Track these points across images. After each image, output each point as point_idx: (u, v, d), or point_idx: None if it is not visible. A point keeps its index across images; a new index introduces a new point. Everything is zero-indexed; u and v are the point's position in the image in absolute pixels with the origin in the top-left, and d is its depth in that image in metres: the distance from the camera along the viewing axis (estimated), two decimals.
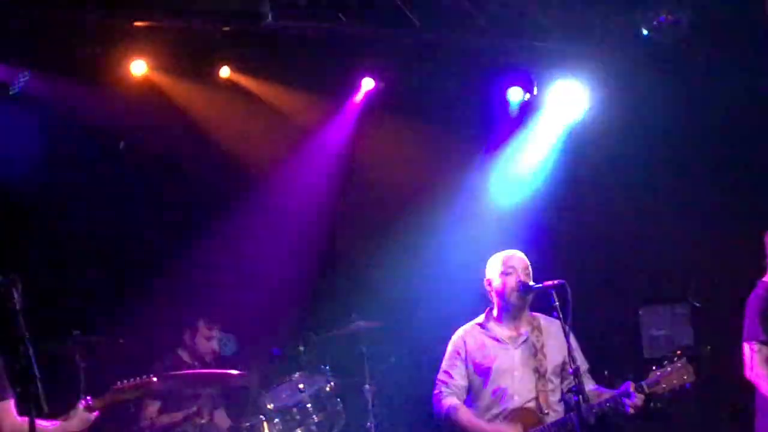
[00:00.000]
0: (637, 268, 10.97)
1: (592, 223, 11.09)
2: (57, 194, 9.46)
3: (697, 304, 10.48)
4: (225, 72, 9.83)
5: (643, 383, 6.73)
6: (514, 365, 6.96)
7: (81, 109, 9.38)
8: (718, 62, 10.09)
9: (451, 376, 7.05)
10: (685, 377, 6.75)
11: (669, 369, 6.76)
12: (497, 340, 7.02)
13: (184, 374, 8.48)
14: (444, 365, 7.11)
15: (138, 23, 8.62)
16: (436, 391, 7.07)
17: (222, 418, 8.89)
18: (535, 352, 6.97)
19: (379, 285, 10.79)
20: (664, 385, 6.73)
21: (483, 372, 6.98)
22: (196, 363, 8.95)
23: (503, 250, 7.16)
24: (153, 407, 8.67)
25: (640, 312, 10.67)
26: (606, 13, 9.95)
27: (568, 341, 6.49)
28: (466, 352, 7.05)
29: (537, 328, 7.02)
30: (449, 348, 7.14)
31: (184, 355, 9.09)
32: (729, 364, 7.83)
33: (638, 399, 6.67)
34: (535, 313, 7.03)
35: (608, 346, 10.57)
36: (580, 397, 6.38)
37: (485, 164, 11.06)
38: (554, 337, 6.92)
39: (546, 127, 10.94)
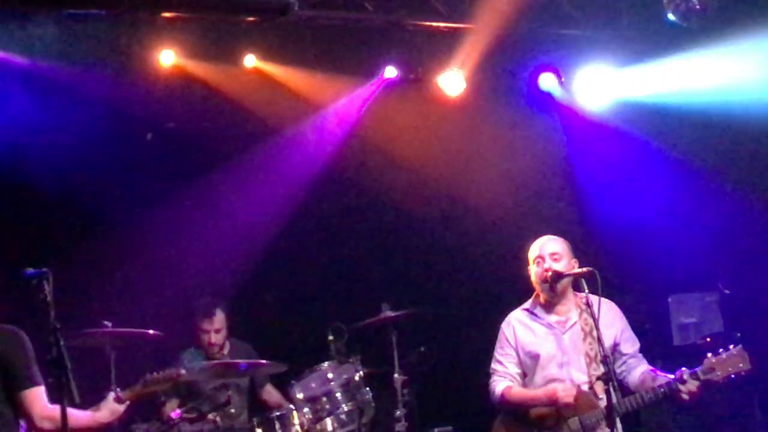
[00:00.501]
0: (666, 256, 10.92)
1: (620, 210, 11.05)
2: (90, 189, 9.50)
3: (727, 291, 10.43)
4: (251, 61, 9.86)
5: (698, 370, 6.68)
6: (564, 351, 6.94)
7: (111, 99, 9.43)
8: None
9: (503, 364, 7.08)
10: (741, 365, 6.70)
11: (724, 356, 6.70)
12: (546, 325, 7.02)
13: (211, 365, 8.51)
14: (496, 354, 7.16)
15: (166, 14, 8.63)
16: (490, 380, 7.11)
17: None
18: (585, 336, 6.94)
19: (409, 273, 10.82)
20: (719, 372, 6.67)
21: (533, 358, 7.00)
22: (205, 355, 8.97)
23: (535, 235, 7.18)
24: (172, 403, 8.70)
25: (669, 299, 10.62)
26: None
27: (597, 329, 6.46)
28: (515, 338, 7.08)
29: (585, 310, 6.94)
30: (499, 335, 7.18)
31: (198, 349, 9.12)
32: (759, 351, 7.77)
33: (693, 385, 6.65)
34: (582, 294, 6.79)
35: (637, 333, 10.52)
36: (610, 384, 6.34)
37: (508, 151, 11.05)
38: (603, 318, 6.75)
39: (576, 113, 10.92)
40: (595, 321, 6.48)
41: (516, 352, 7.07)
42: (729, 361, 6.67)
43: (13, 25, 8.74)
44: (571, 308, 7.03)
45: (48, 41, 8.85)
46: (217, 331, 9.00)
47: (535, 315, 7.09)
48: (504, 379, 7.05)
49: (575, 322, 6.98)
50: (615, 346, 6.95)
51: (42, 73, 9.03)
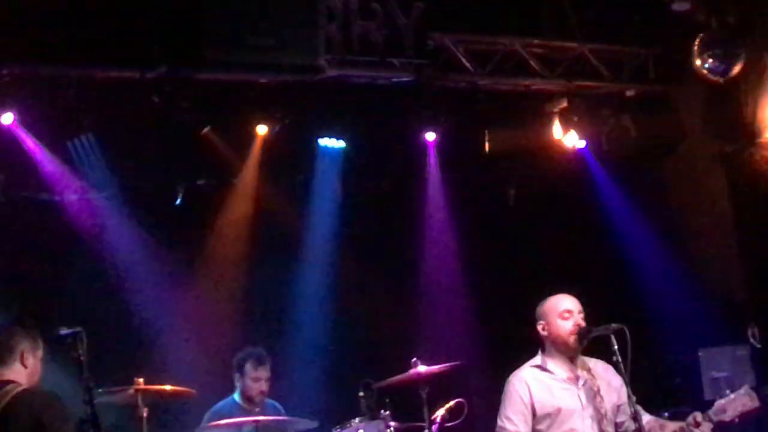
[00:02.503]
0: (696, 309, 10.90)
1: (647, 264, 11.07)
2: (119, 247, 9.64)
3: (758, 346, 10.39)
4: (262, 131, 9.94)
5: (709, 412, 6.72)
6: (581, 406, 6.91)
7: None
8: None
9: (513, 423, 6.90)
10: (750, 402, 6.76)
11: (733, 396, 6.76)
12: (561, 381, 6.97)
13: (250, 422, 8.54)
14: (506, 412, 6.95)
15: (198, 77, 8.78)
16: None
17: None
18: (594, 394, 6.94)
19: (439, 328, 10.84)
20: (730, 413, 6.72)
21: (552, 414, 6.87)
22: (256, 408, 9.01)
23: (562, 289, 7.16)
24: None
25: (699, 353, 10.58)
26: None
27: (628, 387, 6.47)
28: (530, 396, 6.91)
29: (589, 370, 6.99)
30: (510, 393, 6.99)
31: (240, 400, 9.15)
32: None
33: (707, 427, 6.67)
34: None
35: (668, 387, 10.51)
36: None
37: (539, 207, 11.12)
38: (602, 378, 6.91)
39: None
40: (626, 380, 6.48)
41: (529, 410, 6.91)
42: (738, 401, 6.74)
43: None
44: (578, 366, 7.03)
45: None
46: (267, 380, 9.11)
47: (548, 371, 7.02)
48: None
49: (586, 381, 6.98)
50: (619, 406, 6.96)
51: None
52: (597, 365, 6.99)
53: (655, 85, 10.44)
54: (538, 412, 6.91)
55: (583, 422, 6.86)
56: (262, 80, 9.08)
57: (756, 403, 6.77)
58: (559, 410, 6.87)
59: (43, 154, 9.25)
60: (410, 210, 10.91)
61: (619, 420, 6.97)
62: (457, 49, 9.70)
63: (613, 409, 6.91)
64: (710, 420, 6.69)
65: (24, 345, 6.54)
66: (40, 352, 6.63)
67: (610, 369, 7.01)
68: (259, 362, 9.10)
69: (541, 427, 6.91)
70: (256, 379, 9.10)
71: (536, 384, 6.96)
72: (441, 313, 11.04)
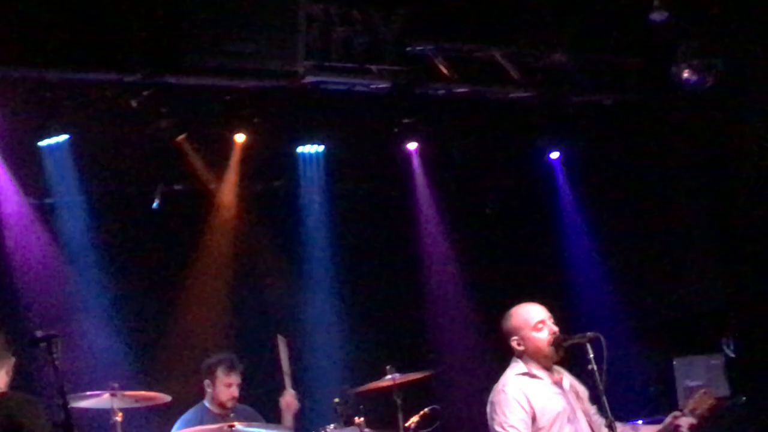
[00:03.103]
0: (670, 319, 10.96)
1: (623, 273, 11.12)
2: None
3: (732, 355, 10.44)
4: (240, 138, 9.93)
5: (683, 410, 6.86)
6: (574, 407, 6.91)
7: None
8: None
9: (518, 430, 6.74)
10: (714, 393, 6.98)
11: (695, 396, 6.94)
12: (551, 385, 6.94)
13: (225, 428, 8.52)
14: (507, 420, 6.75)
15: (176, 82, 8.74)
16: None
17: None
18: (577, 396, 6.96)
19: (413, 336, 10.86)
20: (702, 406, 6.86)
21: (550, 418, 6.79)
22: (230, 414, 8.97)
23: (530, 299, 7.14)
24: None
25: (674, 362, 10.62)
26: None
27: (601, 395, 6.48)
28: (529, 403, 6.79)
29: (564, 375, 7.00)
30: (508, 402, 6.80)
31: (210, 406, 9.12)
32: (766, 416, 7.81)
33: (688, 420, 6.82)
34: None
35: (643, 397, 10.55)
36: None
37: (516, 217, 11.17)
38: (576, 384, 7.01)
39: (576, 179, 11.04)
40: (600, 389, 6.49)
41: (530, 417, 6.77)
42: (702, 397, 6.91)
43: None
44: (557, 374, 7.04)
45: None
46: (238, 386, 9.06)
47: (536, 377, 7.00)
48: None
49: (570, 384, 7.00)
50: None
51: None
52: (566, 373, 7.01)
53: (635, 94, 10.46)
54: (540, 419, 6.78)
55: (581, 423, 6.87)
56: (241, 85, 9.05)
57: (723, 392, 6.90)
58: (558, 414, 6.84)
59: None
60: (390, 217, 10.93)
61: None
62: (435, 57, 9.70)
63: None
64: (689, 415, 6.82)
65: (9, 361, 6.50)
66: (12, 360, 6.60)
67: (575, 378, 7.07)
68: (230, 368, 9.05)
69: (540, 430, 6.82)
70: (228, 384, 9.04)
71: (531, 391, 6.85)
72: (417, 320, 11.05)
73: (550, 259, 11.21)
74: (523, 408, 6.80)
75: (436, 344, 10.89)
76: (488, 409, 6.92)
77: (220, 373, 9.06)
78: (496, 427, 6.78)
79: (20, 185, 9.34)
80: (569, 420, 6.86)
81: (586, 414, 6.91)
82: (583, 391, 6.98)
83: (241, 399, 9.10)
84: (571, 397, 6.94)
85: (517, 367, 6.99)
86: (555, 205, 11.24)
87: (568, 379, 7.03)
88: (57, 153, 9.30)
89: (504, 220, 11.27)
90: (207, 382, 9.10)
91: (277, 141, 10.14)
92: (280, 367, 9.11)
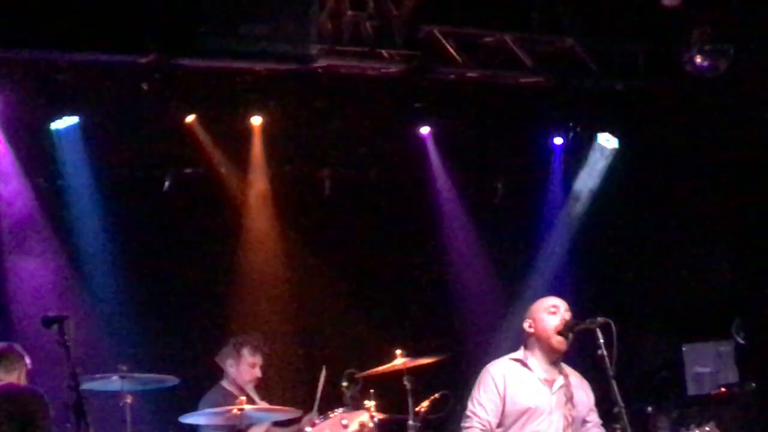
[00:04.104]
0: (680, 305, 10.95)
1: (633, 260, 11.11)
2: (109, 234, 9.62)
3: (742, 341, 10.44)
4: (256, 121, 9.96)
5: None
6: (551, 409, 6.91)
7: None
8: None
9: (485, 410, 6.85)
10: None
11: None
12: (538, 380, 6.97)
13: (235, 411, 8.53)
14: (479, 397, 6.91)
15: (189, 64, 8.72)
16: (467, 425, 6.90)
17: None
18: (566, 400, 6.95)
19: (424, 319, 10.86)
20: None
21: (521, 411, 6.85)
22: (238, 392, 8.99)
23: (548, 288, 7.19)
24: None
25: (683, 349, 10.62)
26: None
27: (611, 381, 6.47)
28: (505, 388, 6.88)
29: (566, 376, 7.01)
30: (486, 381, 6.94)
31: (229, 387, 9.13)
32: None
33: None
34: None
35: (652, 383, 10.55)
36: None
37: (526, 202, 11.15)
38: (578, 388, 6.99)
39: (586, 167, 11.01)
40: (609, 375, 6.48)
41: (501, 403, 6.87)
42: None
43: None
44: (558, 370, 7.04)
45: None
46: (261, 367, 9.11)
47: (528, 367, 6.99)
48: (484, 429, 6.87)
49: (562, 386, 6.99)
50: (585, 421, 7.00)
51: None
52: (574, 375, 7.05)
53: (646, 80, 10.43)
54: (508, 407, 6.87)
55: (549, 425, 6.87)
56: (254, 68, 9.05)
57: None
58: (527, 409, 6.86)
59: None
60: (399, 201, 10.92)
61: (583, 426, 7.00)
62: (447, 42, 9.68)
63: (579, 421, 6.96)
64: None
65: (22, 366, 7.36)
66: (26, 365, 7.40)
67: (586, 384, 7.09)
68: (256, 348, 9.11)
69: (506, 422, 6.88)
70: (253, 365, 9.10)
71: (513, 379, 6.93)
72: (428, 304, 11.05)
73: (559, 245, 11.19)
74: (498, 392, 6.90)
75: (447, 328, 10.88)
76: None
77: (245, 352, 9.10)
78: (468, 401, 6.96)
79: (30, 167, 9.36)
80: (539, 419, 6.86)
81: (566, 418, 6.91)
82: (582, 400, 6.97)
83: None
84: (557, 398, 6.94)
85: (516, 352, 7.07)
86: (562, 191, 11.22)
87: (566, 381, 7.00)
88: (67, 135, 9.32)
89: (514, 204, 11.25)
90: (230, 361, 9.11)
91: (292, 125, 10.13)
92: (315, 392, 9.13)
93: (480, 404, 6.89)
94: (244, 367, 9.08)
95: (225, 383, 9.11)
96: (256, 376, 9.11)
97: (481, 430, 6.87)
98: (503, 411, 6.88)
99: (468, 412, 6.92)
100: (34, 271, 9.46)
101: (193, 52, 8.30)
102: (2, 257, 9.35)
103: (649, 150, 10.82)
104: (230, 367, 9.11)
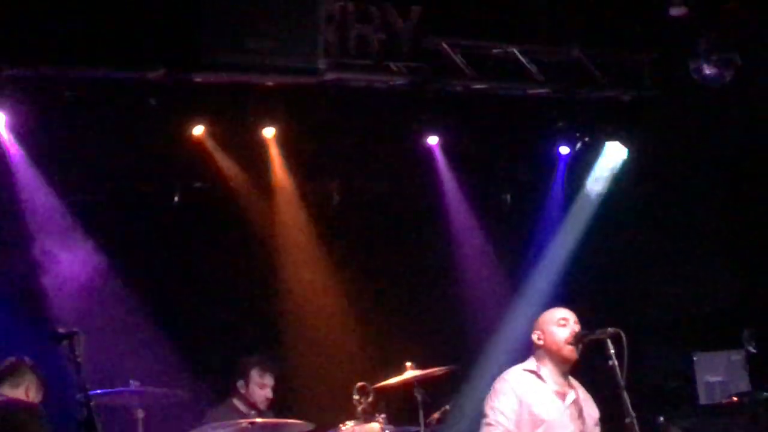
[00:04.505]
0: (691, 314, 10.93)
1: (643, 269, 11.10)
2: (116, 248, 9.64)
3: (753, 350, 10.41)
4: (269, 132, 9.97)
5: None
6: (565, 422, 6.90)
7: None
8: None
9: (507, 419, 6.81)
10: None
11: None
12: (552, 392, 6.95)
13: (244, 423, 8.52)
14: (500, 406, 6.86)
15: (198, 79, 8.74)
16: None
17: None
18: (578, 414, 6.96)
19: (434, 331, 10.85)
20: None
21: (536, 422, 6.85)
22: (252, 412, 8.99)
23: (555, 299, 7.19)
24: None
25: (694, 358, 10.60)
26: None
27: (622, 392, 6.46)
28: (522, 398, 6.87)
29: (575, 389, 7.03)
30: (505, 390, 6.92)
31: (239, 404, 9.14)
32: None
33: None
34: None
35: (663, 392, 10.53)
36: None
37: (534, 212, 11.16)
38: (585, 402, 7.03)
39: (592, 176, 11.01)
40: (620, 385, 6.47)
41: (519, 411, 6.84)
42: None
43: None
44: (568, 383, 7.03)
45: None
46: (272, 387, 9.12)
47: (542, 378, 6.99)
48: None
49: (574, 399, 6.99)
50: (592, 429, 7.00)
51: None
52: (581, 389, 7.07)
53: (653, 90, 10.45)
54: (525, 416, 6.85)
55: None
56: (267, 83, 9.07)
57: None
58: (543, 422, 6.86)
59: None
60: (407, 212, 10.93)
61: None
62: (454, 53, 9.71)
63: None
64: None
65: (31, 380, 7.44)
66: (40, 394, 7.49)
67: (590, 398, 7.07)
68: (264, 369, 9.09)
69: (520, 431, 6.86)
70: (262, 386, 9.08)
71: (530, 390, 6.93)
72: (438, 315, 11.04)
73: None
74: (518, 401, 6.88)
75: (457, 339, 10.87)
76: (488, 394, 7.01)
77: (254, 373, 9.08)
78: (487, 410, 6.89)
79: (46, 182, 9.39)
80: (558, 430, 6.85)
81: None
82: (590, 414, 6.99)
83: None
84: (569, 412, 6.94)
85: (528, 363, 7.06)
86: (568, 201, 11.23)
87: (576, 395, 7.01)
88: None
89: (522, 214, 11.25)
90: (240, 383, 9.11)
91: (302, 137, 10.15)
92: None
93: (502, 413, 6.85)
94: (253, 388, 9.08)
95: (236, 400, 9.11)
96: (266, 397, 9.08)
97: None
98: (520, 420, 6.86)
99: (491, 421, 6.85)
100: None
101: (201, 66, 8.32)
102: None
103: (656, 159, 10.81)
104: (240, 388, 9.12)
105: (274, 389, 9.25)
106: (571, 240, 10.99)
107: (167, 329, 9.92)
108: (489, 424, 6.86)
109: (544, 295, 9.27)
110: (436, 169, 10.73)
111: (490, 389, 7.04)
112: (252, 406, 9.05)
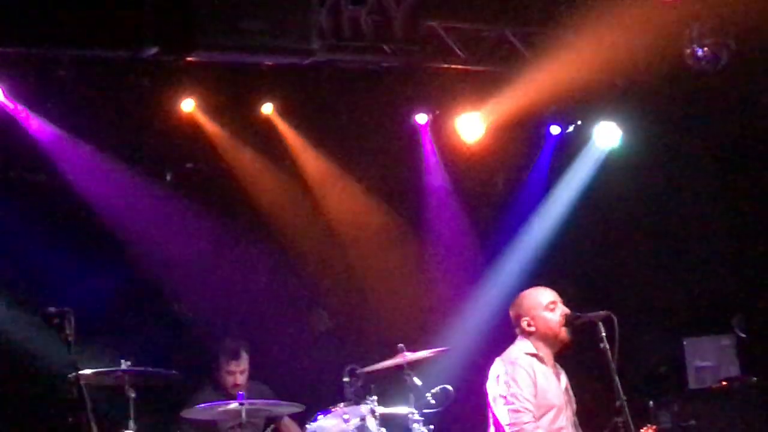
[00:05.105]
0: (681, 299, 10.95)
1: (634, 254, 11.12)
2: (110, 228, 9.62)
3: (743, 335, 10.44)
4: (268, 109, 9.96)
5: None
6: (563, 407, 6.92)
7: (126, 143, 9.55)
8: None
9: (530, 403, 6.72)
10: None
11: None
12: (554, 376, 6.96)
13: (234, 404, 8.54)
14: (521, 392, 6.73)
15: (190, 59, 8.71)
16: (525, 419, 6.69)
17: None
18: (569, 397, 7.00)
19: (426, 314, 10.86)
20: None
21: (547, 406, 6.82)
22: (223, 395, 9.01)
23: (543, 283, 7.16)
24: None
25: (684, 343, 10.63)
26: None
27: (613, 375, 6.47)
28: (535, 380, 6.80)
29: (562, 374, 7.06)
30: (521, 374, 6.79)
31: (216, 388, 9.16)
32: None
33: None
34: None
35: (653, 377, 10.55)
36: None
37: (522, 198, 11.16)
38: (568, 387, 7.07)
39: (583, 160, 11.00)
40: (612, 369, 6.48)
41: (535, 394, 6.76)
42: None
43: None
44: (557, 368, 7.04)
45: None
46: (242, 372, 9.10)
47: (543, 361, 6.93)
48: (536, 421, 6.75)
49: (566, 384, 7.02)
50: None
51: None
52: (563, 373, 7.08)
53: (645, 75, 10.42)
54: (539, 400, 6.80)
55: (567, 421, 6.88)
56: (259, 63, 9.06)
57: None
58: (553, 407, 6.85)
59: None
60: (400, 193, 10.92)
61: None
62: (447, 36, 9.68)
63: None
64: None
65: None
66: None
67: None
68: (231, 356, 9.10)
69: (537, 414, 6.80)
70: (229, 372, 9.10)
71: (538, 372, 6.87)
72: (428, 298, 11.05)
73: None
74: (534, 386, 6.80)
75: (448, 322, 10.89)
76: (496, 380, 6.89)
77: (222, 360, 9.11)
78: (509, 398, 6.75)
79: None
80: (561, 415, 6.85)
81: (573, 413, 6.96)
82: (572, 397, 7.04)
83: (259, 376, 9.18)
84: (564, 393, 6.95)
85: (524, 346, 6.98)
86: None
87: (564, 378, 7.03)
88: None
89: (513, 197, 11.25)
90: (213, 365, 9.15)
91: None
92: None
93: (525, 398, 6.73)
94: (222, 374, 9.10)
95: (213, 385, 9.13)
96: (234, 383, 9.07)
97: (535, 423, 6.75)
98: (536, 405, 6.81)
99: (518, 407, 6.72)
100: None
101: (193, 47, 8.30)
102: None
103: (649, 144, 10.81)
104: (215, 370, 9.14)
105: (260, 368, 9.25)
106: (557, 222, 10.98)
107: (160, 309, 9.94)
108: (517, 411, 6.72)
109: (531, 279, 9.23)
110: (425, 150, 10.73)
111: (495, 377, 6.92)
112: (224, 389, 9.07)
